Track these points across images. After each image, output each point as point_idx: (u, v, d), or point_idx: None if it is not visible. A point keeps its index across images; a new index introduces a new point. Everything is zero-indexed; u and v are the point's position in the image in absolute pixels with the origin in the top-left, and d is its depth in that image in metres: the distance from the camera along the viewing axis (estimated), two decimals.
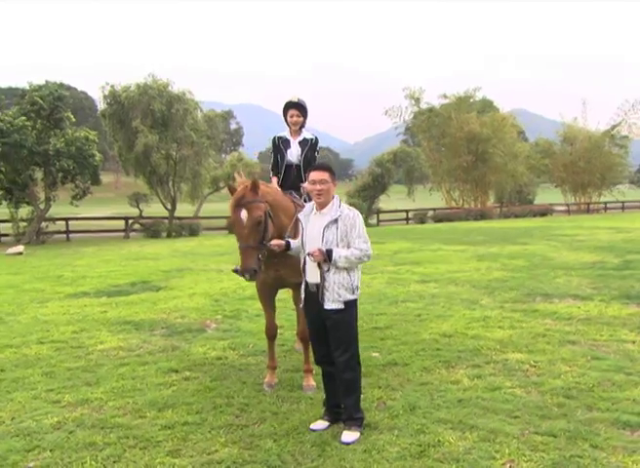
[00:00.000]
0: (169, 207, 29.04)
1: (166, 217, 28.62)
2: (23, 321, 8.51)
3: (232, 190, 4.64)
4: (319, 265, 4.35)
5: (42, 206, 23.97)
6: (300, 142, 5.76)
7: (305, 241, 4.44)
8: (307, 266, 4.44)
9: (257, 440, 4.20)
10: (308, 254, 4.37)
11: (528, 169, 44.22)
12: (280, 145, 5.78)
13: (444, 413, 4.59)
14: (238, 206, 4.55)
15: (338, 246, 4.35)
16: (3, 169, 23.00)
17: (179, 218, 29.10)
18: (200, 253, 18.80)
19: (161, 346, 6.90)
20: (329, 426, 4.44)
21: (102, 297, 10.27)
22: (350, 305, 4.44)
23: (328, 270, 4.35)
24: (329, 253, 4.28)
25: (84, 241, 25.43)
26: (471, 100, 43.18)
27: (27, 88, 23.55)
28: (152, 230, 26.79)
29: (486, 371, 5.60)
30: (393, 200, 41.27)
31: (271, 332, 5.53)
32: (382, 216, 38.17)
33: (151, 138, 25.74)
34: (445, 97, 42.51)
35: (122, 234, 27.32)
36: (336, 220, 4.36)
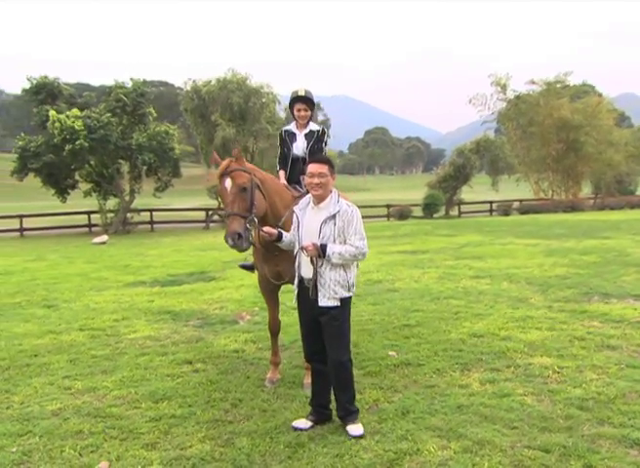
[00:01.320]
0: None
1: None
2: (75, 308, 8.94)
3: (218, 162, 4.61)
4: (312, 260, 4.23)
5: (127, 197, 25.19)
6: (306, 135, 5.61)
7: (302, 235, 4.32)
8: (302, 261, 4.33)
9: (234, 437, 4.15)
10: (302, 248, 4.26)
11: (628, 157, 41.21)
12: (286, 139, 5.68)
13: (437, 420, 4.34)
14: (223, 175, 4.51)
15: (334, 241, 4.22)
16: (92, 162, 24.35)
17: None
18: None
19: (188, 337, 7.01)
20: (311, 426, 4.31)
21: (156, 287, 10.61)
22: (346, 302, 4.32)
23: (321, 265, 4.22)
24: (323, 248, 4.16)
25: (166, 231, 26.50)
26: (562, 85, 40.76)
27: (114, 86, 24.76)
28: None
29: (502, 376, 5.25)
30: (477, 191, 39.94)
31: (275, 328, 5.46)
32: (465, 208, 37.03)
33: (229, 132, 26.36)
34: (533, 82, 40.44)
35: (203, 225, 28.22)
36: (334, 216, 4.23)
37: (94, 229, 26.06)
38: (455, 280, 10.39)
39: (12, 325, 7.85)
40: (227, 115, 27.17)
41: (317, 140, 5.59)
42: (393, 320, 7.48)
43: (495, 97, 41.43)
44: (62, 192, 25.07)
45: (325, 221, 4.24)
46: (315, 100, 5.75)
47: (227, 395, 4.96)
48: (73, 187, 25.67)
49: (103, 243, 21.01)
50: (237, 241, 4.31)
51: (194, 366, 5.84)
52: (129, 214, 25.79)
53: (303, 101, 5.57)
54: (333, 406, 4.44)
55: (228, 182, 4.45)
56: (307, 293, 4.32)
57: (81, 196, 25.95)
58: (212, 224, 28.46)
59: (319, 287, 4.25)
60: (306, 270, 4.32)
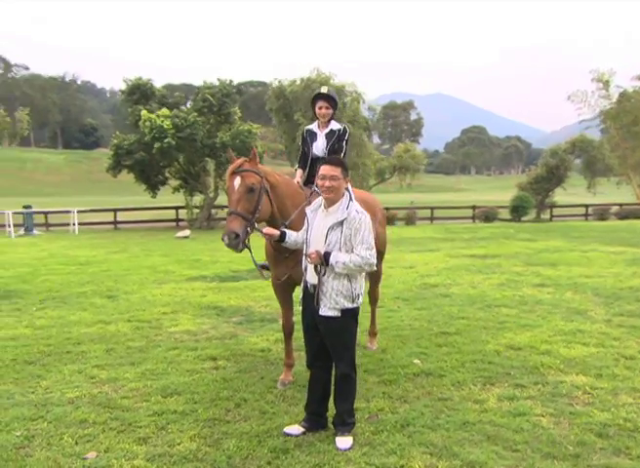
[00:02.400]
0: None
1: None
2: (132, 299, 9.32)
3: (233, 160, 4.59)
4: (316, 267, 4.13)
5: (212, 194, 26.02)
6: (326, 134, 5.51)
7: (309, 239, 4.23)
8: (308, 265, 4.24)
9: (224, 438, 4.14)
10: (305, 256, 4.18)
11: None
12: (307, 138, 5.60)
13: (435, 436, 4.12)
14: (233, 173, 4.49)
15: (341, 249, 4.07)
16: (180, 160, 25.33)
17: None
18: None
19: (223, 333, 7.11)
20: (302, 433, 4.22)
21: (214, 282, 10.87)
22: (348, 314, 4.14)
23: (324, 274, 4.11)
24: (326, 256, 4.03)
25: None
26: None
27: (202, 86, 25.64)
28: None
29: (524, 394, 4.91)
30: (572, 194, 37.87)
31: (288, 329, 5.41)
32: (558, 211, 35.16)
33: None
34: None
35: None
36: (341, 222, 4.08)
37: (181, 224, 27.10)
38: (515, 287, 9.88)
39: (69, 313, 8.30)
40: (310, 114, 27.34)
41: (337, 139, 5.48)
42: (433, 327, 7.21)
43: (596, 95, 39.07)
44: (153, 188, 26.27)
45: (332, 227, 4.10)
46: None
47: (235, 394, 4.97)
48: (163, 183, 26.82)
49: (186, 237, 21.80)
50: (233, 241, 4.29)
51: (216, 362, 5.91)
52: (213, 211, 26.60)
53: (325, 99, 5.47)
54: (330, 413, 4.34)
55: (237, 181, 4.44)
56: (310, 299, 4.23)
57: (170, 192, 27.07)
58: None
59: (320, 295, 4.13)
60: (311, 276, 4.22)
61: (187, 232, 22.33)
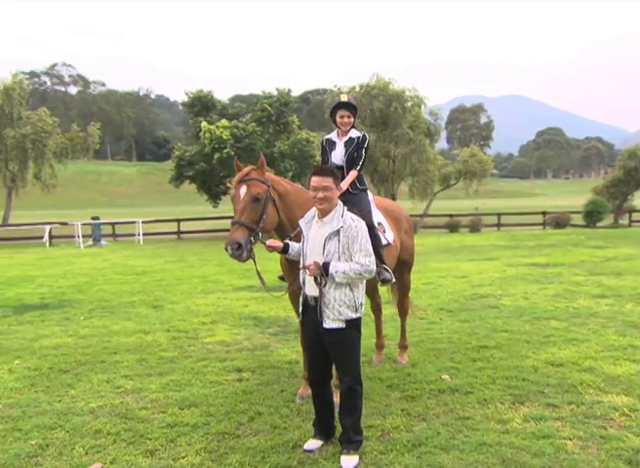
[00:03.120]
0: None
1: None
2: (177, 309, 9.53)
3: (239, 168, 4.59)
4: (316, 279, 4.07)
5: None
6: (345, 142, 5.43)
7: (306, 251, 4.18)
8: (306, 278, 4.19)
9: (230, 452, 4.12)
10: (303, 267, 4.13)
11: None
12: (326, 148, 5.54)
13: (447, 457, 3.95)
14: (240, 182, 4.48)
15: (339, 259, 4.02)
16: None
17: None
18: None
19: (256, 344, 7.14)
20: (322, 445, 4.17)
21: (259, 292, 10.95)
22: (352, 324, 4.07)
23: (324, 285, 4.04)
24: (325, 266, 3.98)
25: None
26: None
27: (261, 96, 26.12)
28: None
29: (554, 414, 4.64)
30: None
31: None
32: (637, 216, 33.37)
33: (369, 138, 26.41)
34: None
35: None
36: (337, 231, 4.04)
37: None
38: (571, 298, 9.42)
39: (113, 322, 8.58)
40: (369, 121, 27.34)
41: (356, 147, 5.39)
42: (472, 340, 6.96)
43: None
44: (214, 198, 26.97)
45: (329, 237, 4.05)
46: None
47: (251, 407, 4.96)
48: (224, 193, 27.43)
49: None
50: (236, 251, 4.27)
51: (241, 374, 5.92)
52: None
53: (347, 108, 5.40)
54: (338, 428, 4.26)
55: (243, 190, 4.44)
56: (312, 312, 4.16)
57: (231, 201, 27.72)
58: None
59: (323, 307, 4.05)
60: (310, 288, 4.15)
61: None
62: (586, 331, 7.22)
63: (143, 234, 26.22)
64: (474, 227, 28.76)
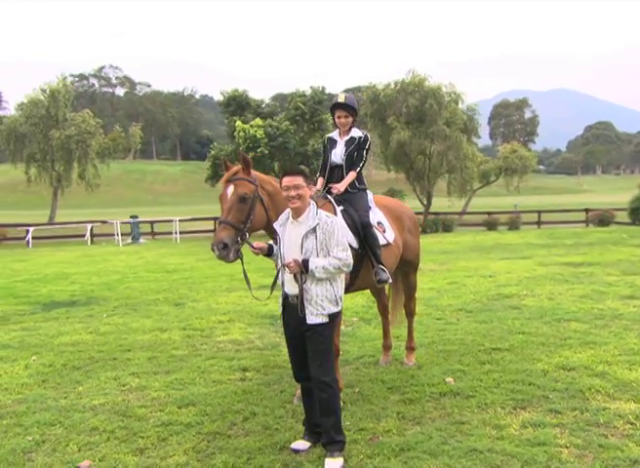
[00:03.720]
0: (425, 202, 29.21)
1: (420, 213, 28.82)
2: (197, 307, 9.63)
3: (228, 168, 4.58)
4: (296, 277, 4.06)
5: None
6: (346, 141, 5.36)
7: (283, 251, 4.18)
8: (285, 277, 4.18)
9: (217, 452, 4.13)
10: (283, 265, 4.11)
11: None
12: (327, 146, 5.49)
13: (433, 463, 3.86)
14: (227, 181, 4.48)
15: (318, 255, 4.05)
16: (275, 169, 25.97)
17: (435, 214, 29.03)
18: (431, 249, 18.51)
19: (266, 343, 7.15)
20: (310, 447, 4.14)
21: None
22: (333, 317, 4.12)
23: (305, 282, 4.04)
24: (305, 263, 3.99)
25: None
26: None
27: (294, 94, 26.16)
28: None
29: (555, 420, 4.48)
30: None
31: None
32: None
33: (404, 135, 26.18)
34: None
35: None
36: (314, 229, 4.06)
37: None
38: (599, 299, 9.10)
39: (133, 320, 8.73)
40: (404, 118, 27.03)
41: (357, 147, 5.32)
42: (485, 342, 6.80)
43: None
44: None
45: (306, 235, 4.07)
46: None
47: (247, 407, 4.96)
48: None
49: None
50: (222, 251, 4.27)
51: (245, 374, 5.93)
52: None
53: (343, 108, 5.34)
54: None
55: (230, 190, 4.43)
56: (292, 310, 4.15)
57: None
58: None
59: (305, 303, 4.06)
60: (290, 287, 4.15)
61: None
62: (607, 334, 6.96)
63: (181, 232, 26.65)
64: (513, 225, 28.19)
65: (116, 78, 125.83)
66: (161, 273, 14.30)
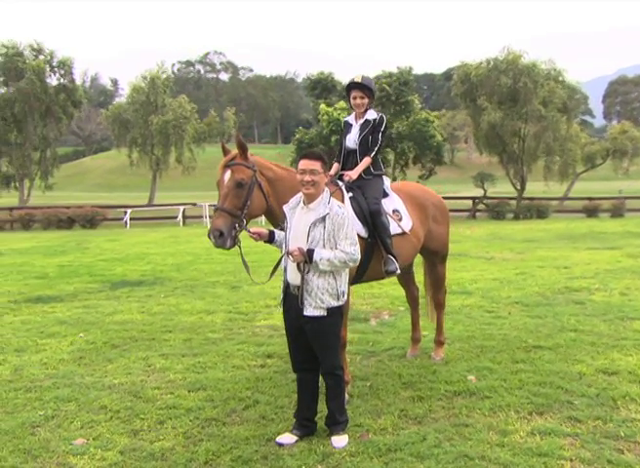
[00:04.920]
0: (518, 186, 27.84)
1: (512, 198, 27.53)
2: (251, 291, 9.75)
3: (226, 152, 4.51)
4: (299, 266, 3.98)
5: None
6: (361, 125, 5.15)
7: (289, 237, 4.11)
8: (288, 265, 4.11)
9: (205, 439, 4.15)
10: (287, 253, 4.04)
11: None
12: (344, 130, 5.29)
13: (414, 467, 3.65)
14: (225, 167, 4.41)
15: (324, 246, 3.97)
16: None
17: (529, 199, 27.60)
18: (514, 237, 17.68)
19: None
20: (296, 441, 4.08)
21: None
22: (334, 312, 4.05)
23: (308, 272, 3.96)
24: (310, 253, 3.89)
25: None
26: None
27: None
28: (496, 211, 26.19)
29: (570, 430, 4.12)
30: None
31: None
32: None
33: (495, 116, 24.97)
34: None
35: (467, 214, 27.50)
36: (323, 218, 3.98)
37: None
38: None
39: (186, 301, 8.99)
40: (496, 98, 25.78)
41: (372, 130, 5.10)
42: (529, 338, 6.37)
43: None
44: None
45: (314, 224, 3.98)
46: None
47: (253, 395, 4.94)
48: None
49: None
50: (218, 239, 4.21)
51: (267, 360, 5.93)
52: None
53: (359, 88, 5.12)
54: (319, 417, 4.21)
55: (227, 175, 4.36)
56: (293, 300, 4.08)
57: None
58: (478, 214, 27.58)
59: (305, 294, 3.99)
60: (293, 275, 4.08)
61: None
62: None
63: None
64: (616, 212, 26.30)
65: (220, 63, 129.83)
66: (233, 255, 14.59)
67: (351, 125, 5.26)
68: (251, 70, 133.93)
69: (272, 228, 4.40)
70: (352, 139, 5.19)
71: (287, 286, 4.16)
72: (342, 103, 23.71)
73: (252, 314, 8.05)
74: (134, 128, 37.07)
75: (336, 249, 3.94)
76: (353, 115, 5.32)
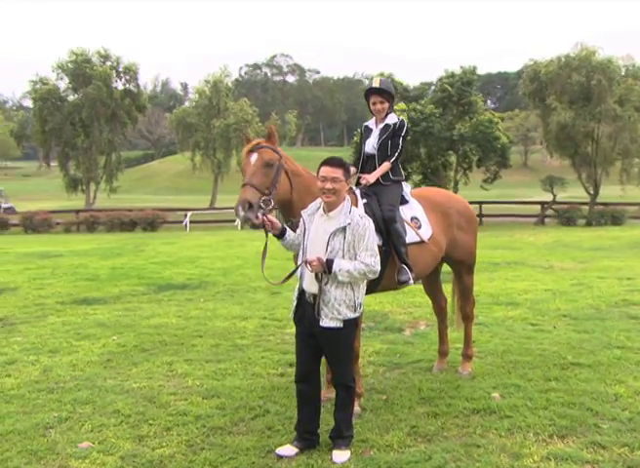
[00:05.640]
0: (591, 191, 26.69)
1: (583, 203, 26.42)
2: (290, 297, 9.67)
3: (248, 140, 4.52)
4: (317, 275, 3.97)
5: (452, 190, 25.58)
6: (381, 129, 5.07)
7: (307, 245, 4.10)
8: (305, 273, 4.10)
9: (206, 448, 4.19)
10: (305, 262, 4.03)
11: None
12: (363, 134, 5.23)
13: None
14: (250, 151, 4.38)
15: (344, 256, 3.96)
16: (422, 155, 25.42)
17: (603, 204, 26.41)
18: (581, 245, 16.98)
19: None
20: (297, 454, 4.06)
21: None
22: (350, 324, 4.05)
23: (327, 283, 3.95)
24: (329, 263, 3.89)
25: (496, 225, 25.81)
26: None
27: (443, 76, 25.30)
28: (566, 217, 25.21)
29: (591, 456, 3.92)
30: None
31: None
32: None
33: (565, 116, 24.05)
34: None
35: (535, 219, 26.61)
36: (344, 228, 3.96)
37: None
38: None
39: (224, 306, 9.12)
40: (567, 97, 24.83)
41: (392, 135, 5.02)
42: (569, 355, 6.08)
43: None
44: None
45: (334, 233, 3.97)
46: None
47: (264, 404, 4.95)
48: (407, 179, 27.16)
49: None
50: (248, 212, 4.10)
51: (287, 369, 5.91)
52: None
53: (379, 93, 5.06)
54: (322, 429, 4.21)
55: (254, 157, 4.33)
56: (308, 308, 4.09)
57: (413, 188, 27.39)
58: (547, 220, 26.65)
59: (322, 305, 3.98)
60: (309, 284, 4.07)
61: None
62: None
63: None
64: None
65: (287, 66, 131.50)
66: (281, 260, 14.70)
67: (371, 130, 5.21)
68: (317, 72, 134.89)
69: (284, 225, 4.37)
70: (371, 144, 5.13)
71: (302, 292, 4.14)
72: (402, 105, 23.50)
73: (285, 321, 8.06)
74: (197, 131, 38.07)
75: (355, 260, 3.91)
76: (373, 120, 5.27)
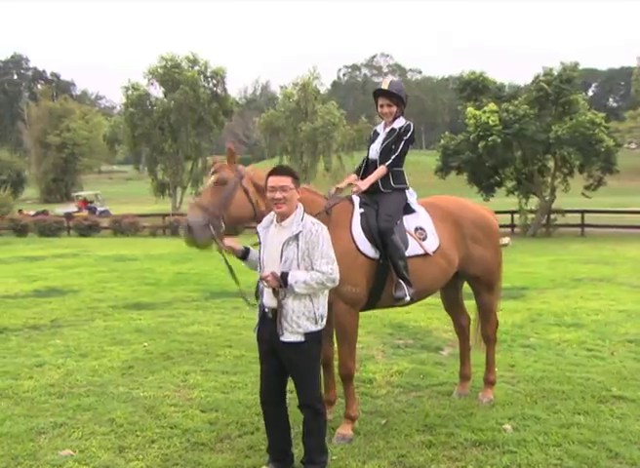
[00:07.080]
0: None
1: None
2: None
3: (216, 162, 4.67)
4: (274, 291, 3.95)
5: (548, 197, 24.41)
6: (386, 133, 4.91)
7: (263, 258, 4.08)
8: (264, 288, 4.08)
9: (181, 464, 4.25)
10: (260, 279, 4.03)
11: None
12: (371, 138, 5.09)
13: None
14: (212, 173, 4.49)
15: (299, 266, 3.92)
16: (516, 160, 24.42)
17: None
18: None
19: (361, 355, 6.91)
20: None
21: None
22: (312, 338, 3.97)
23: (284, 297, 3.92)
24: (284, 277, 3.86)
25: (600, 236, 24.39)
26: None
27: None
28: None
29: None
30: None
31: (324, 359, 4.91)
32: None
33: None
34: None
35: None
36: (296, 236, 3.93)
37: (516, 230, 26.18)
38: None
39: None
40: None
41: (396, 138, 4.85)
42: (614, 386, 5.63)
43: None
44: (486, 190, 25.89)
45: (287, 243, 3.93)
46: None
47: (256, 422, 4.89)
48: (499, 185, 26.17)
49: (505, 245, 21.04)
50: (188, 233, 4.21)
51: None
52: (553, 215, 24.87)
53: (386, 96, 4.91)
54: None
55: (212, 178, 4.44)
56: (268, 323, 4.04)
57: (506, 194, 26.37)
58: None
59: (282, 319, 3.93)
60: (268, 299, 4.05)
61: (506, 239, 21.43)
62: None
63: None
64: None
65: (387, 66, 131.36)
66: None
67: (378, 134, 5.07)
68: (419, 72, 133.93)
69: (249, 246, 4.35)
70: (375, 149, 4.99)
71: (262, 309, 4.13)
72: (493, 106, 22.76)
73: None
74: (284, 136, 38.80)
75: (312, 269, 3.84)
76: (382, 124, 5.12)
